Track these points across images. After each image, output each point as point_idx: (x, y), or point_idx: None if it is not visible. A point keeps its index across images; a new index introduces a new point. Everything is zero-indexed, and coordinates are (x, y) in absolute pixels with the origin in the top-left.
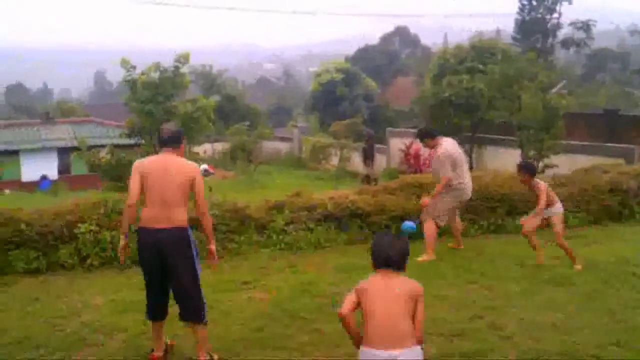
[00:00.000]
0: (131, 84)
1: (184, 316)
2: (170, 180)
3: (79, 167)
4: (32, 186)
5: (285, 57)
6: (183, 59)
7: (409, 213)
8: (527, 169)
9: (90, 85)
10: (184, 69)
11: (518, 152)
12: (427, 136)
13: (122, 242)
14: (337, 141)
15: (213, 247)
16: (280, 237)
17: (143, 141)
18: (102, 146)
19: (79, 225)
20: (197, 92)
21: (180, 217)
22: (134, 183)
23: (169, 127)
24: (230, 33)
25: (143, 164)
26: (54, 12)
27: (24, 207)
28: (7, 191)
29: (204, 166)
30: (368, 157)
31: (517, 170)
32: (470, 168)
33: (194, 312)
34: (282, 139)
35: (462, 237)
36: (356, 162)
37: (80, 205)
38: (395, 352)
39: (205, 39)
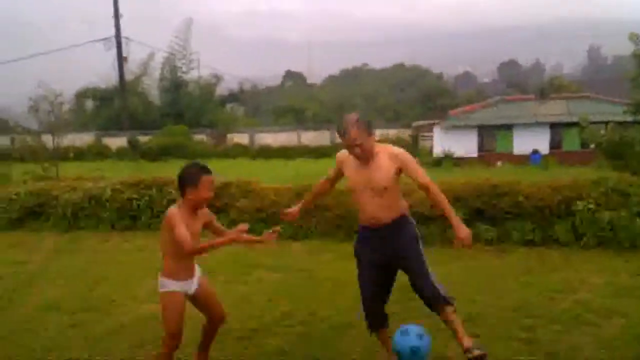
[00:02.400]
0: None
1: None
2: None
3: (570, 143)
4: (522, 159)
5: None
6: None
7: None
8: None
9: (582, 60)
10: None
11: None
12: None
13: None
14: None
15: None
16: None
17: None
18: (599, 122)
19: (577, 202)
20: None
21: None
22: None
23: None
24: None
25: None
26: None
27: (521, 180)
28: (499, 163)
29: None
30: None
31: None
32: None
33: None
34: None
35: None
36: None
37: (579, 181)
38: None
39: None
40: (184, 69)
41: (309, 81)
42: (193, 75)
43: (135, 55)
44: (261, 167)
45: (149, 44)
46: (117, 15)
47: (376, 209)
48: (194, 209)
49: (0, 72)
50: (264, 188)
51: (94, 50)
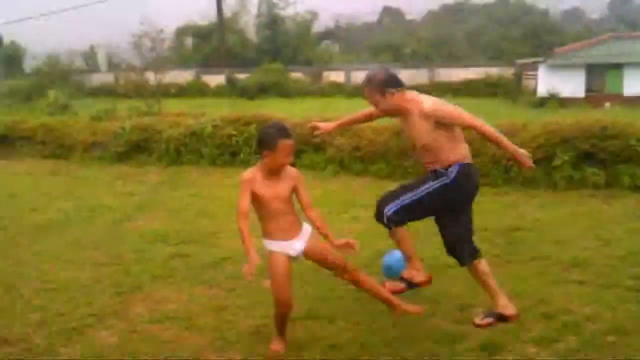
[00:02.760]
0: None
1: None
2: None
3: None
4: (633, 101)
5: None
6: None
7: None
8: None
9: None
10: None
11: None
12: None
13: None
14: None
15: None
16: None
17: None
18: None
19: None
20: None
21: None
22: None
23: None
24: None
25: None
26: None
27: (633, 122)
28: (607, 105)
29: None
30: None
31: None
32: None
33: None
34: None
35: None
36: None
37: None
38: None
39: None
40: (280, 5)
41: (407, 17)
42: (289, 12)
43: None
44: (357, 106)
45: None
46: None
47: (424, 161)
48: (272, 171)
49: (104, 9)
50: (362, 127)
51: None
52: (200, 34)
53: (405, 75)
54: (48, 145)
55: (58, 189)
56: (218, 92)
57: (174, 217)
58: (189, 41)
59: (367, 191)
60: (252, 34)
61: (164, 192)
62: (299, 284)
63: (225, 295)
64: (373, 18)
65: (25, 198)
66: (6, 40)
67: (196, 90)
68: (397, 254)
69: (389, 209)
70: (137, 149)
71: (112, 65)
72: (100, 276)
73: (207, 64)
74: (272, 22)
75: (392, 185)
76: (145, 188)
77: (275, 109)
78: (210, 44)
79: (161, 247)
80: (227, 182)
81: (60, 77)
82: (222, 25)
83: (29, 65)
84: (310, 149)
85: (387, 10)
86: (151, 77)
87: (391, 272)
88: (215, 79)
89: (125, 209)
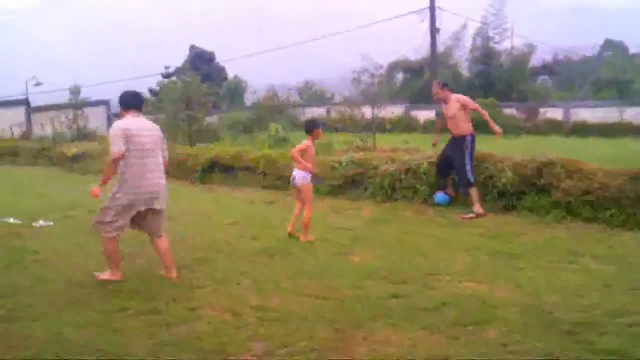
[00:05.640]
0: None
1: None
2: None
3: None
4: None
5: None
6: None
7: None
8: None
9: None
10: None
11: None
12: None
13: None
14: None
15: None
16: None
17: None
18: None
19: None
20: None
21: None
22: None
23: None
24: None
25: None
26: None
27: None
28: None
29: None
30: None
31: None
32: None
33: None
34: None
35: None
36: None
37: None
38: None
39: None
40: (496, 39)
41: (631, 51)
42: (505, 46)
43: (447, 27)
44: (577, 145)
45: (462, 15)
46: None
47: (450, 127)
48: None
49: (317, 47)
50: (593, 169)
51: (406, 22)
52: (411, 69)
53: (632, 113)
54: (268, 176)
55: (277, 219)
56: (427, 127)
57: (390, 254)
58: (399, 76)
59: (597, 241)
60: (464, 68)
61: (378, 228)
62: None
63: (447, 344)
64: (592, 52)
65: (246, 225)
66: (230, 75)
67: (405, 125)
68: None
69: (472, 177)
70: (352, 183)
71: (325, 100)
72: (319, 309)
73: (417, 99)
74: (486, 57)
75: (626, 235)
76: (359, 223)
77: (488, 147)
78: (421, 80)
79: (378, 284)
80: (441, 222)
81: (278, 111)
82: (435, 60)
83: (249, 98)
84: (534, 191)
85: (608, 44)
86: (367, 111)
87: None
88: (425, 115)
89: (341, 242)
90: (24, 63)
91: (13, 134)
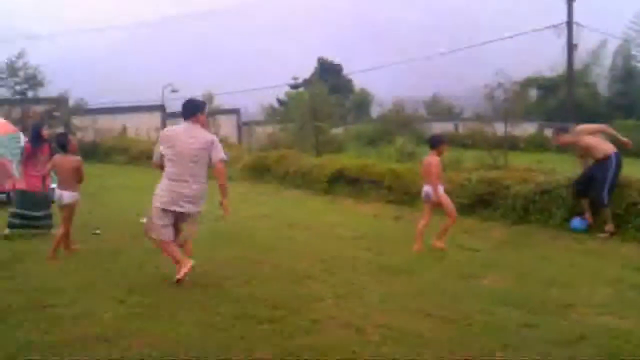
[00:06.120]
0: None
1: None
2: None
3: None
4: None
5: None
6: None
7: None
8: None
9: None
10: None
11: None
12: None
13: None
14: None
15: None
16: None
17: None
18: None
19: None
20: None
21: None
22: None
23: None
24: None
25: None
26: None
27: None
28: None
29: None
30: None
31: None
32: None
33: None
34: None
35: None
36: None
37: None
38: None
39: None
40: (639, 57)
41: None
42: None
43: (586, 43)
44: None
45: (602, 31)
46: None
47: (594, 157)
48: None
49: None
50: None
51: (542, 37)
52: (546, 86)
53: None
54: (394, 190)
55: (402, 235)
56: (560, 147)
57: (521, 280)
58: (532, 92)
59: None
60: (603, 87)
61: (508, 252)
62: None
63: None
64: None
65: (371, 240)
66: (357, 87)
67: (537, 144)
68: None
69: (606, 198)
70: (481, 202)
71: (453, 114)
72: (446, 332)
73: (551, 117)
74: (627, 76)
75: None
76: (489, 244)
77: (635, 171)
78: (556, 97)
79: (510, 312)
80: (578, 249)
81: (403, 124)
82: (572, 77)
83: (375, 110)
84: (617, 213)
85: None
86: (498, 128)
87: None
88: None
89: (470, 264)
90: (161, 68)
91: (149, 137)
